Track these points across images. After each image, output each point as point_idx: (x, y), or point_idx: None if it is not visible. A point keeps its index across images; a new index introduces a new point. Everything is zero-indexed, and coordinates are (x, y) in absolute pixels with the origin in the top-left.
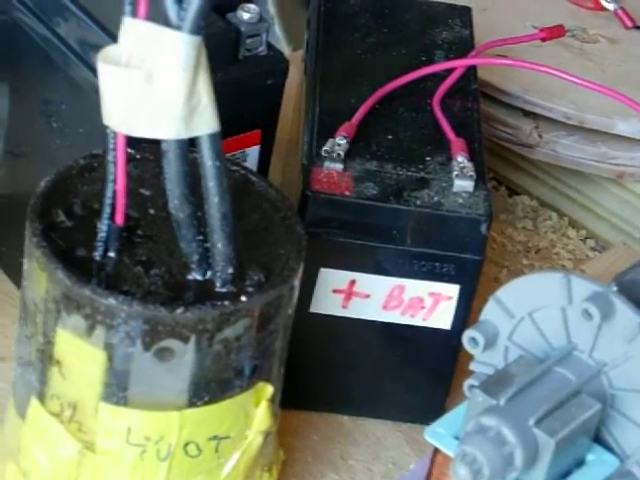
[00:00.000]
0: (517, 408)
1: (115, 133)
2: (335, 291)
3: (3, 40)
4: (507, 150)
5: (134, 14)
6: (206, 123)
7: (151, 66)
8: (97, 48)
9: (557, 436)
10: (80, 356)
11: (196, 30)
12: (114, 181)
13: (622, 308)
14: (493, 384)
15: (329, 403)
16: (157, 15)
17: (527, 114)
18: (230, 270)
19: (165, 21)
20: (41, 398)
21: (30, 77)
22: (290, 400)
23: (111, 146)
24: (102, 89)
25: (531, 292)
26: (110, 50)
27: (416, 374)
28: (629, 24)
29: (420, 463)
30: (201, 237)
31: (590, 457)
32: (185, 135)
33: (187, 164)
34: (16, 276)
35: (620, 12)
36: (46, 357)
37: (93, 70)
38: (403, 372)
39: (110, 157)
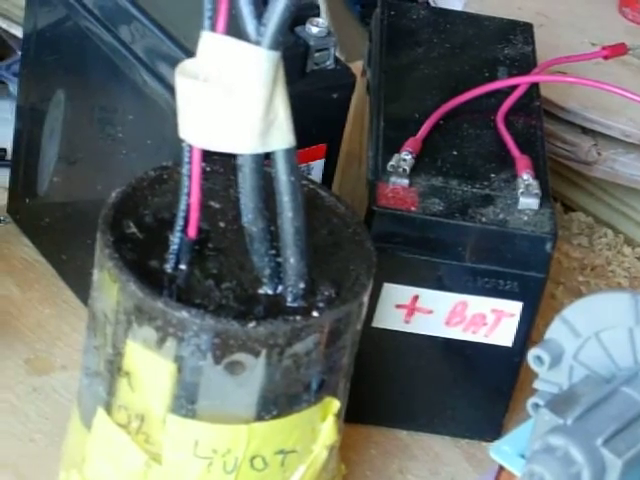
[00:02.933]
0: (584, 428)
1: (191, 147)
2: (398, 306)
3: (66, 47)
4: (563, 166)
5: (213, 28)
6: (282, 138)
7: (229, 81)
8: (166, 59)
9: (624, 456)
10: (150, 368)
11: (275, 45)
12: (188, 194)
13: None
14: (560, 403)
15: (388, 418)
16: (236, 30)
17: (586, 131)
18: (302, 285)
19: (244, 36)
20: (108, 409)
21: (93, 86)
22: (350, 414)
23: (186, 159)
24: (179, 103)
25: (598, 312)
26: (188, 64)
27: (476, 390)
28: None
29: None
30: (273, 251)
31: None
32: (261, 150)
33: (262, 178)
34: (76, 285)
35: None
36: (115, 368)
37: (162, 81)
38: (463, 388)
39: (185, 170)
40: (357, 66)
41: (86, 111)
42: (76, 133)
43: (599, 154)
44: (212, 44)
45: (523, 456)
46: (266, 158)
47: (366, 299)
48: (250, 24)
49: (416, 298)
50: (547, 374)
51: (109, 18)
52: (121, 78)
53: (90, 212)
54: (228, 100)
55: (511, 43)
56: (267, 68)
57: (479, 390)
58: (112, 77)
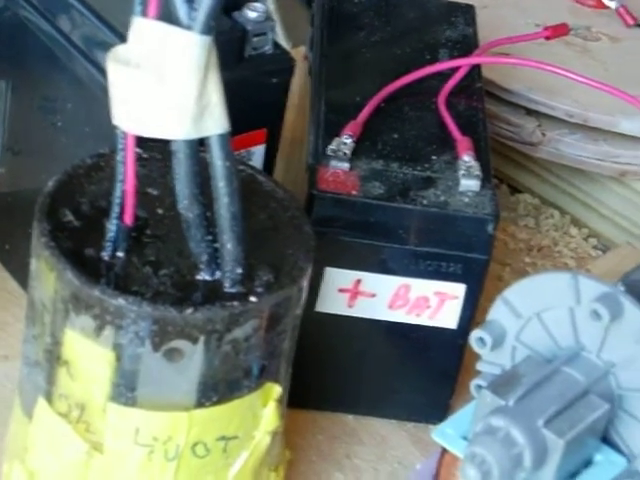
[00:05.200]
0: (526, 409)
1: (125, 133)
2: (341, 290)
3: (6, 37)
4: (509, 148)
5: (144, 14)
6: (216, 123)
7: (161, 66)
8: (103, 46)
9: (566, 437)
10: (88, 356)
11: (207, 30)
12: (123, 181)
13: (631, 308)
14: (501, 384)
15: (334, 402)
16: (167, 15)
17: (530, 112)
18: (239, 270)
19: (175, 21)
20: (48, 398)
21: (34, 75)
22: (295, 399)
23: (120, 146)
24: (112, 89)
25: (539, 292)
26: (120, 50)
27: (421, 373)
28: (631, 22)
29: (426, 463)
30: (210, 237)
31: (598, 457)
32: (195, 135)
33: (197, 164)
34: (19, 274)
35: (622, 10)
36: (54, 357)
37: (99, 68)
38: (408, 371)
39: (119, 157)
40: (302, 51)
41: (28, 101)
42: (19, 123)
43: (543, 135)
44: (143, 29)
45: (466, 438)
46: (202, 144)
47: (305, 283)
48: (181, 9)
49: (359, 282)
50: (490, 355)
51: (46, 7)
52: (60, 66)
53: (33, 201)
54: (160, 86)
55: (453, 25)
56: (199, 53)
57: (425, 373)
58: (51, 66)
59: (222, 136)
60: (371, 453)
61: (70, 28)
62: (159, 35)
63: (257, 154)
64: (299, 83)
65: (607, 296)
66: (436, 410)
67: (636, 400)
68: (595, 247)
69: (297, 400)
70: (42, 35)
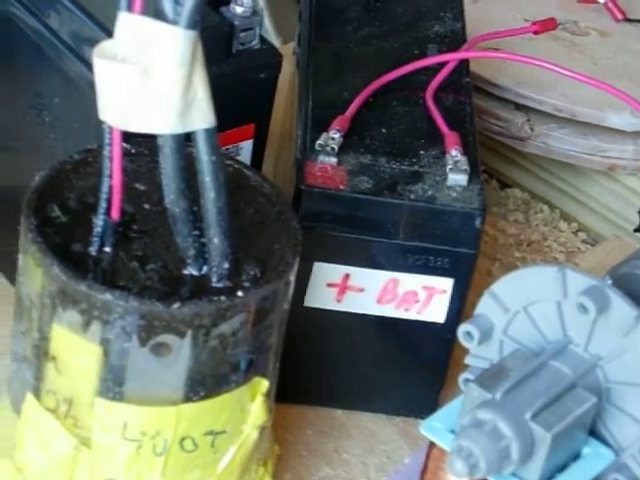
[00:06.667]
0: (513, 402)
1: (111, 128)
2: (329, 285)
3: None
4: (498, 143)
5: (130, 9)
6: (202, 118)
7: (147, 61)
8: (91, 42)
9: (553, 430)
10: (76, 351)
11: (192, 25)
12: (110, 176)
13: (618, 302)
14: (489, 378)
15: (323, 397)
16: (153, 10)
17: (519, 107)
18: (226, 265)
19: (161, 16)
20: (37, 394)
21: (23, 71)
22: (284, 394)
23: (107, 141)
24: (98, 84)
25: (526, 286)
26: (106, 45)
27: (410, 368)
28: (619, 17)
29: (415, 457)
30: (197, 232)
31: (586, 450)
32: (181, 130)
33: (183, 159)
34: (9, 271)
35: (610, 5)
36: (41, 353)
37: (87, 64)
38: (397, 366)
39: (106, 152)
40: (292, 47)
41: (16, 97)
42: (7, 120)
43: (532, 130)
44: (129, 24)
45: (454, 432)
46: (188, 139)
47: (292, 278)
48: (167, 4)
49: (347, 276)
50: (478, 349)
51: (34, 3)
52: (47, 62)
53: (22, 197)
54: (146, 80)
55: (441, 20)
56: (184, 48)
57: (414, 367)
58: (39, 62)
59: (208, 131)
60: (360, 447)
61: (58, 24)
62: (145, 30)
63: (245, 149)
64: (288, 78)
65: (594, 289)
66: (425, 404)
67: (623, 393)
68: (584, 241)
69: (286, 395)
70: (30, 32)
